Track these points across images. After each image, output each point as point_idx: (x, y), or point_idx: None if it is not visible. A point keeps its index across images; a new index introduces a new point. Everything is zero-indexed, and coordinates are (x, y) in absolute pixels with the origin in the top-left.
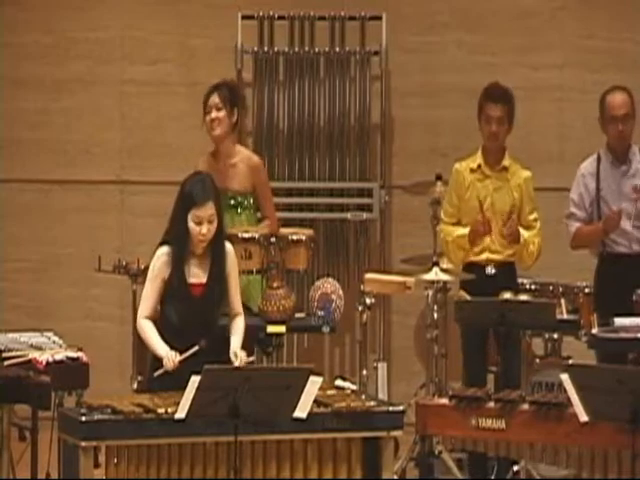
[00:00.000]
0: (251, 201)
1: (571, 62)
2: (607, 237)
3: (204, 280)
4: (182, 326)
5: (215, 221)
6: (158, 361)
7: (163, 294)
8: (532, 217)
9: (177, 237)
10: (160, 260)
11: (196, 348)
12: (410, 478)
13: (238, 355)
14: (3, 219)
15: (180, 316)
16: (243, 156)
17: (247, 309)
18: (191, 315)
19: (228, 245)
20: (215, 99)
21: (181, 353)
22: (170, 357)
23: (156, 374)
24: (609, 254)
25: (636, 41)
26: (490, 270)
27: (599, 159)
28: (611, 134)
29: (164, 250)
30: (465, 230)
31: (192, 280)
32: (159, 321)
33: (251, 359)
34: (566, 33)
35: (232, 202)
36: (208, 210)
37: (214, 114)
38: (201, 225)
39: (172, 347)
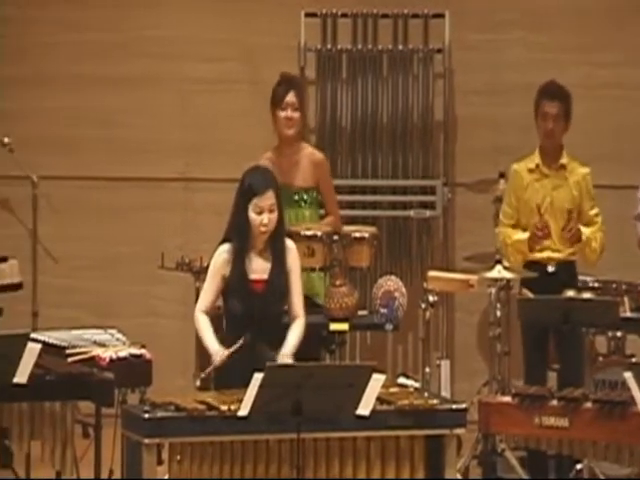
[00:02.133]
0: (315, 197)
1: (631, 60)
2: None
3: (265, 276)
4: (246, 321)
5: (275, 211)
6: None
7: (225, 289)
8: (593, 213)
9: (238, 231)
10: (220, 257)
11: (240, 342)
12: (473, 478)
13: (285, 353)
14: (67, 217)
15: (243, 311)
16: (307, 152)
17: (314, 305)
18: (253, 310)
19: (290, 242)
20: (292, 98)
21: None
22: (218, 353)
23: (203, 374)
24: None
25: None
26: (551, 268)
27: None
28: None
29: (225, 248)
30: (524, 235)
31: (253, 276)
32: (224, 315)
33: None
34: (626, 31)
35: (296, 198)
36: (269, 199)
37: (290, 113)
38: (262, 215)
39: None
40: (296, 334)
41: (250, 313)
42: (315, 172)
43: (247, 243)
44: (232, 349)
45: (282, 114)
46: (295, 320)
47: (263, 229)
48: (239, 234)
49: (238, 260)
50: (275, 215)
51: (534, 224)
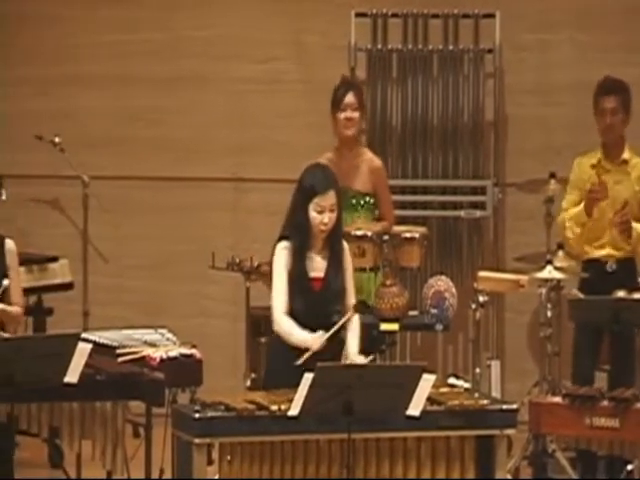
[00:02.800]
0: (370, 202)
1: None
2: None
3: (322, 274)
4: (305, 318)
5: (336, 211)
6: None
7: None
8: None
9: (298, 229)
10: (282, 253)
11: (342, 322)
12: (524, 478)
13: (354, 352)
14: (117, 217)
15: (303, 308)
16: (366, 157)
17: (365, 305)
18: (311, 308)
19: (344, 242)
20: (351, 98)
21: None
22: (316, 340)
23: (301, 360)
24: None
25: None
26: (611, 266)
27: None
28: None
29: (284, 244)
30: (580, 206)
31: (312, 274)
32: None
33: (370, 358)
34: None
35: (353, 202)
36: (330, 199)
37: (349, 114)
38: (323, 214)
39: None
40: (356, 333)
41: (309, 311)
42: (372, 178)
43: (307, 242)
44: (332, 330)
45: (342, 115)
46: (353, 321)
47: (323, 228)
48: (299, 232)
49: (298, 258)
50: (335, 215)
51: (591, 185)
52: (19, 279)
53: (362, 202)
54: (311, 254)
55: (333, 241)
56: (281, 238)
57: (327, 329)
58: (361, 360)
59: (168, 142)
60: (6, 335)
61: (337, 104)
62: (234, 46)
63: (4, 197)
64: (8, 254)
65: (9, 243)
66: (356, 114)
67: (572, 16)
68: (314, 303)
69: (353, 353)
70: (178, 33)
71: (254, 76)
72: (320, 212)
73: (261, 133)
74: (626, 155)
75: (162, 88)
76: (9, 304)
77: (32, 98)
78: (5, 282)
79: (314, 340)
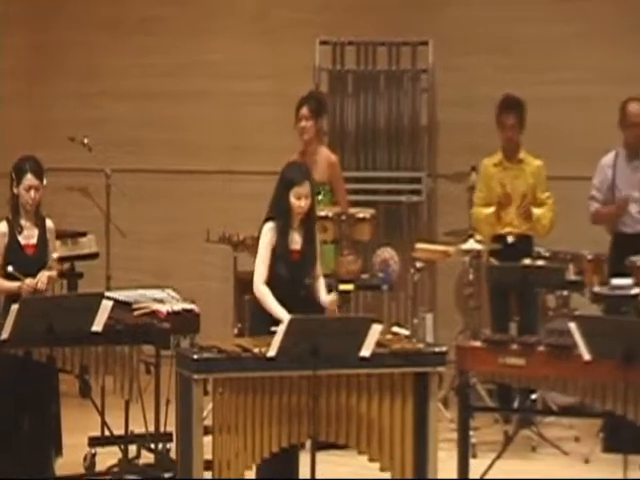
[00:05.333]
0: (327, 189)
1: (577, 79)
2: (619, 218)
3: (299, 247)
4: (286, 281)
5: (310, 197)
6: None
7: (272, 258)
8: (545, 196)
9: (281, 212)
10: (269, 232)
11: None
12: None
13: (334, 299)
14: (134, 202)
15: (287, 274)
16: (324, 155)
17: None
18: (291, 272)
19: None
20: (304, 111)
21: (287, 303)
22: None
23: (273, 329)
24: (618, 233)
25: None
26: (510, 239)
27: (617, 154)
28: (629, 136)
29: (270, 225)
30: (491, 209)
31: (292, 247)
32: (270, 278)
33: (334, 294)
34: (574, 56)
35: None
36: (306, 188)
37: (303, 123)
38: (300, 200)
39: (281, 299)
40: (325, 291)
41: (290, 275)
42: (329, 171)
43: (288, 222)
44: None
45: (299, 125)
46: (319, 278)
47: (300, 211)
48: (282, 215)
49: (282, 234)
50: (309, 201)
51: (498, 195)
52: (55, 250)
53: (321, 190)
54: (291, 231)
55: (308, 221)
56: (267, 219)
57: (303, 289)
58: (331, 297)
59: (176, 143)
60: (47, 294)
61: (295, 116)
62: (228, 67)
63: (45, 183)
64: (48, 231)
65: (49, 222)
66: (308, 123)
67: (492, 43)
68: (293, 269)
69: (324, 299)
70: (185, 57)
71: (243, 91)
72: (298, 198)
73: (248, 136)
74: (521, 155)
75: (173, 100)
76: (49, 269)
77: (70, 108)
78: (54, 255)
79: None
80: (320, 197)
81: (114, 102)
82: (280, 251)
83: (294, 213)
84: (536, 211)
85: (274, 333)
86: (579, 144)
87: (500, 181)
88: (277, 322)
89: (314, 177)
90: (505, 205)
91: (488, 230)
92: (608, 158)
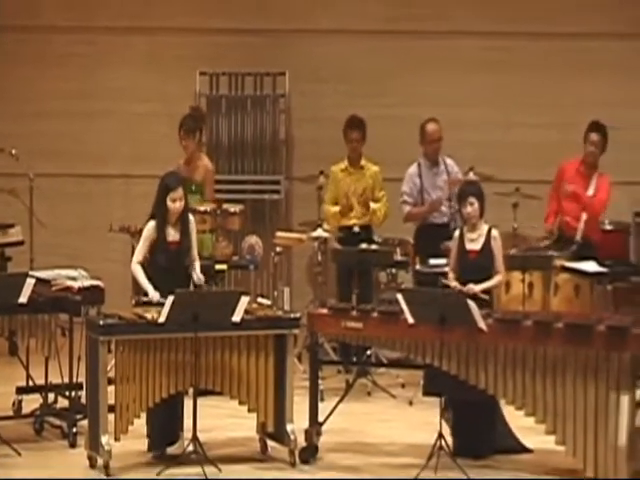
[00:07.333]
0: (201, 189)
1: (403, 102)
2: (430, 214)
3: (177, 239)
4: (165, 268)
5: (183, 200)
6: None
7: (152, 249)
8: (380, 194)
9: (160, 212)
10: (150, 228)
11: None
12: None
13: (200, 277)
14: (52, 200)
15: (165, 262)
16: (203, 162)
17: (201, 257)
18: (169, 261)
19: (190, 216)
20: (182, 133)
21: (163, 288)
22: (155, 296)
23: (144, 299)
24: (427, 223)
25: None
26: (356, 229)
27: (419, 164)
28: (429, 150)
29: (152, 223)
30: (337, 208)
31: (170, 239)
32: (149, 266)
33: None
34: (397, 84)
35: (193, 188)
36: (179, 193)
37: (183, 142)
38: (175, 202)
39: (159, 284)
40: (198, 268)
41: (168, 263)
42: (205, 175)
43: (166, 220)
44: (165, 306)
45: (181, 142)
46: (194, 262)
47: (175, 211)
48: (161, 215)
49: (161, 230)
50: (183, 203)
51: (343, 204)
52: None
53: (195, 189)
54: (169, 227)
55: (183, 218)
56: (150, 217)
57: (182, 274)
58: (202, 276)
59: (86, 152)
60: None
61: (178, 133)
62: (128, 93)
63: None
64: None
65: None
66: (188, 141)
67: (335, 74)
68: (171, 257)
69: (197, 273)
70: (94, 84)
71: (139, 111)
72: (173, 201)
73: (144, 147)
74: (363, 162)
75: (83, 118)
76: None
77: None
78: None
79: (153, 295)
80: (197, 194)
81: (38, 119)
82: (159, 245)
83: (171, 213)
84: (373, 205)
85: (145, 302)
86: (409, 152)
87: (346, 183)
88: (146, 294)
89: (196, 179)
90: (347, 211)
91: (334, 223)
92: (413, 169)
